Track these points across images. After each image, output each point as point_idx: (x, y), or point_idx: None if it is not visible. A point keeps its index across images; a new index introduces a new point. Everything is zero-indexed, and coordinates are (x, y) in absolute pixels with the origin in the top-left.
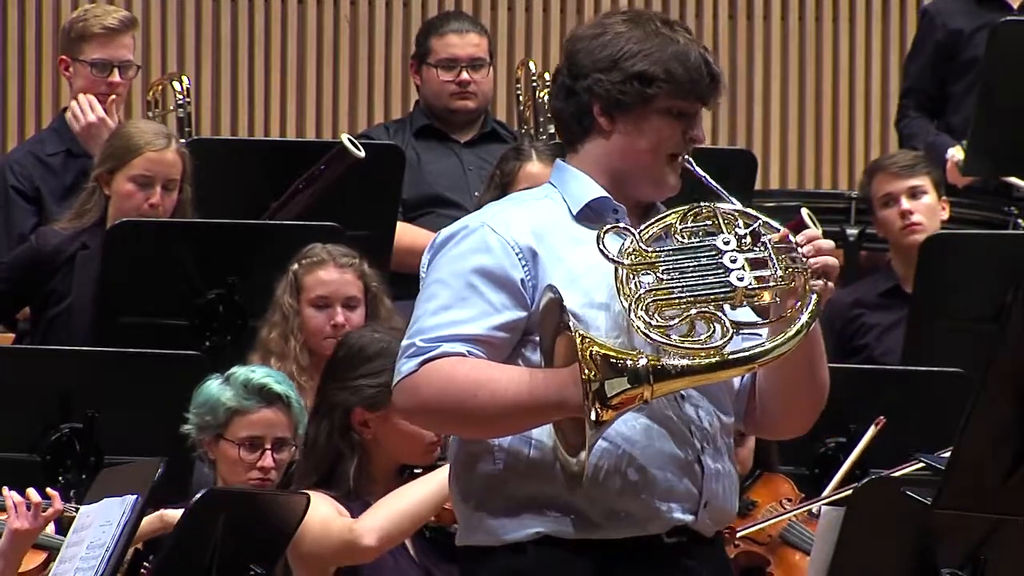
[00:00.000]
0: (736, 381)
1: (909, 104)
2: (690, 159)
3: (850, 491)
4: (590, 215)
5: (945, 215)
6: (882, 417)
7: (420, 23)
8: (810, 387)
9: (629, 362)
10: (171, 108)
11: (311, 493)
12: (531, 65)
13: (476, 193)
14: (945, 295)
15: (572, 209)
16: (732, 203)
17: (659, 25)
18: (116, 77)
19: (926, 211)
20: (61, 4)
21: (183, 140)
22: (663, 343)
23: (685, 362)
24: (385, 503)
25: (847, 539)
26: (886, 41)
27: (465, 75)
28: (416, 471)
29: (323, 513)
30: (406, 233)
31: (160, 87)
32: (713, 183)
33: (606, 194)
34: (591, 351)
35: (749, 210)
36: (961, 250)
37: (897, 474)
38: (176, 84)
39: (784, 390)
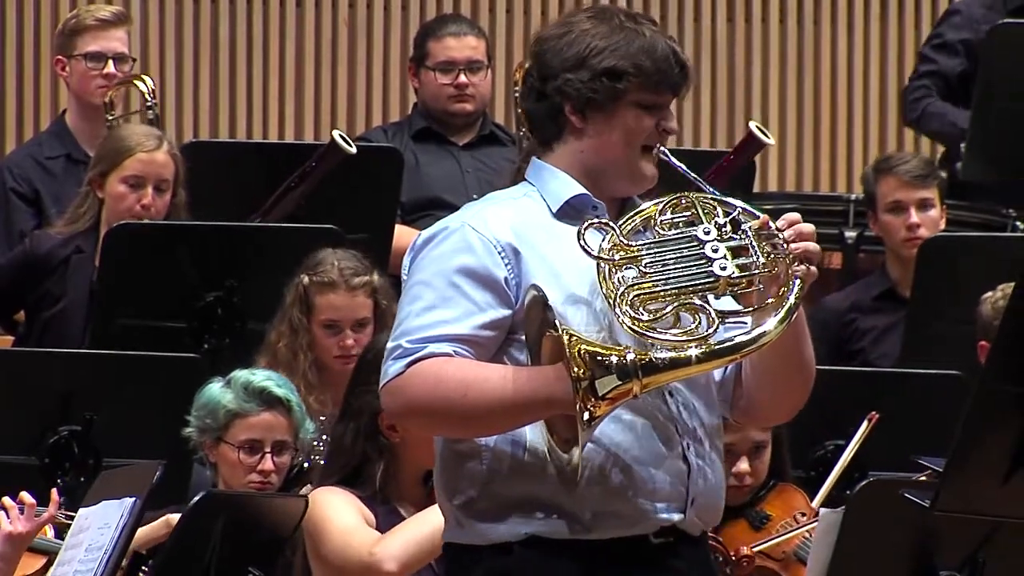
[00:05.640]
0: (718, 372)
1: (932, 89)
2: (665, 150)
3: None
4: (570, 212)
5: (942, 224)
6: (874, 412)
7: (418, 26)
8: (798, 371)
9: (615, 358)
10: (136, 110)
11: (334, 491)
12: None
13: (474, 195)
14: (943, 297)
15: (552, 207)
16: (710, 191)
17: (623, 19)
18: (111, 68)
19: (931, 224)
20: (60, 4)
21: None
22: (650, 337)
23: (672, 355)
24: (407, 528)
25: (845, 542)
26: (884, 44)
27: (463, 78)
28: None
29: (346, 522)
30: (404, 236)
31: (121, 89)
32: (689, 173)
33: (585, 191)
34: (579, 349)
35: (728, 198)
36: (959, 252)
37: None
38: (140, 84)
39: (772, 376)
